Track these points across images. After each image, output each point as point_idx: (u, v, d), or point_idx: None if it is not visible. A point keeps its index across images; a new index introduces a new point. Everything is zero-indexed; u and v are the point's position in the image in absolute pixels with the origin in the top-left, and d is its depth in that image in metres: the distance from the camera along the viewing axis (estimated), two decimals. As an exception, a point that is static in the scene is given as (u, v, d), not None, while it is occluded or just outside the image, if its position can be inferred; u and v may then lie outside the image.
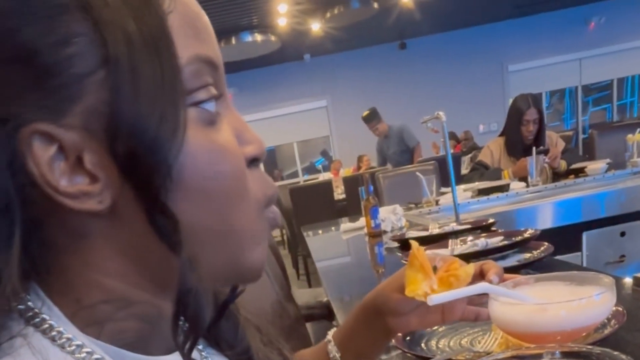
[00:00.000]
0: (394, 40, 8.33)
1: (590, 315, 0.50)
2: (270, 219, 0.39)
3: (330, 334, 0.68)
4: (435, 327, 0.83)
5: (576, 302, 0.49)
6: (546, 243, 1.21)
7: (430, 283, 0.54)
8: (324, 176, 6.70)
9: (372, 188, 2.07)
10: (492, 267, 0.61)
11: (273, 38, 6.62)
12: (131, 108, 0.30)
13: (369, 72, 8.41)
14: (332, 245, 2.50)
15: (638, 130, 2.79)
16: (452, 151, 5.91)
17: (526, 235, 1.30)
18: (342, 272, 1.81)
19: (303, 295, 2.23)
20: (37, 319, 0.32)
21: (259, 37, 6.50)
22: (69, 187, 0.31)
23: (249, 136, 0.38)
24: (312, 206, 4.34)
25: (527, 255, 1.21)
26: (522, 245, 1.26)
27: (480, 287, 0.53)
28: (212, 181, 0.34)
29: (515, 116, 2.94)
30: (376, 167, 5.75)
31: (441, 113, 1.76)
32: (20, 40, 0.29)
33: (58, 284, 0.34)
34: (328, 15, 6.07)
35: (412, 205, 2.68)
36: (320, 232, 2.78)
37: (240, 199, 0.36)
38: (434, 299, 0.51)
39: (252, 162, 0.38)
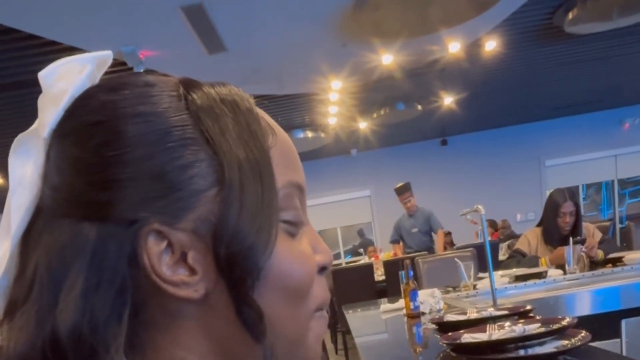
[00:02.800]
0: (436, 137, 8.46)
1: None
2: (322, 317, 0.43)
3: None
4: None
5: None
6: (584, 331, 1.15)
7: None
8: (365, 259, 6.62)
9: (412, 273, 2.04)
10: None
11: (323, 135, 6.87)
12: (236, 220, 0.35)
13: (411, 165, 8.48)
14: (372, 323, 2.44)
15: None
16: (490, 239, 5.77)
17: (564, 323, 1.24)
18: (381, 349, 1.76)
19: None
20: None
21: (309, 134, 6.79)
22: (172, 277, 0.34)
23: (321, 247, 0.42)
24: (353, 287, 4.29)
25: (565, 342, 1.15)
26: (560, 333, 1.20)
27: None
28: (290, 281, 0.37)
29: (552, 208, 2.89)
30: (408, 251, 5.63)
31: (480, 206, 1.77)
32: (156, 162, 0.34)
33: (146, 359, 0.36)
34: (375, 115, 6.28)
35: (450, 289, 2.60)
36: (360, 310, 2.72)
37: (307, 297, 0.39)
38: None
39: (321, 269, 0.42)
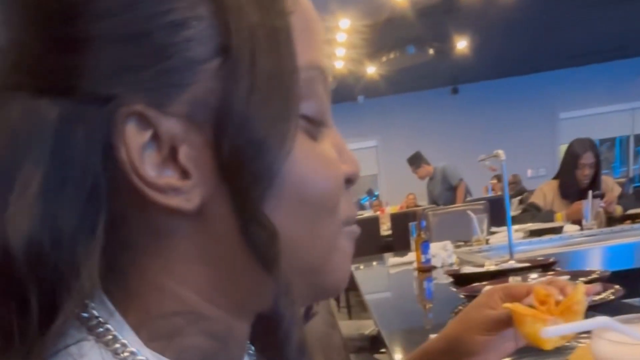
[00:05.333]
0: (447, 85, 8.29)
1: None
2: (352, 232, 0.36)
3: None
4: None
5: None
6: (617, 285, 1.10)
7: (555, 322, 0.48)
8: (369, 213, 6.63)
9: (424, 223, 1.99)
10: (568, 285, 0.56)
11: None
12: (244, 104, 0.27)
13: (420, 115, 8.37)
14: (380, 278, 2.42)
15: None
16: (499, 194, 5.75)
17: (594, 275, 1.19)
18: (392, 305, 1.73)
19: (344, 326, 2.15)
20: (101, 329, 0.28)
21: (315, 77, 6.63)
22: (157, 179, 0.27)
23: (348, 155, 0.35)
24: (357, 241, 4.27)
25: (599, 296, 1.10)
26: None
27: (600, 321, 0.46)
28: (311, 192, 0.30)
29: (571, 159, 2.83)
30: (422, 205, 5.71)
31: (500, 151, 1.68)
32: (137, 15, 0.26)
33: (126, 290, 0.30)
34: (384, 59, 6.11)
35: (462, 243, 2.57)
36: (364, 266, 2.69)
37: (332, 214, 0.32)
38: (550, 332, 0.44)
39: (348, 182, 0.34)
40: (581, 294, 0.51)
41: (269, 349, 0.31)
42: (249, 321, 0.34)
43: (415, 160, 5.69)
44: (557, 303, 0.52)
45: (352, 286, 2.64)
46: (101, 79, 0.26)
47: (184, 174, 0.28)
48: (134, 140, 0.27)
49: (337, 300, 5.13)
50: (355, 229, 0.36)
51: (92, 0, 0.26)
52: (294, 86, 0.29)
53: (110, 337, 0.28)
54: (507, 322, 0.55)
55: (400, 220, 4.08)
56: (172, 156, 0.28)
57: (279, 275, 0.28)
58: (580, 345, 0.82)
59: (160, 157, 0.28)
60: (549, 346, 0.48)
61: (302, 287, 0.32)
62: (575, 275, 1.22)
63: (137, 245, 0.29)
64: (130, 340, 0.29)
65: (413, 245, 2.07)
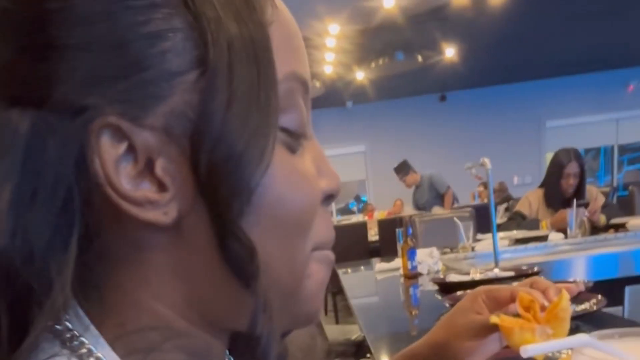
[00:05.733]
0: (435, 92, 8.33)
1: None
2: (325, 257, 0.35)
3: None
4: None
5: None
6: (599, 295, 1.13)
7: (543, 330, 0.49)
8: (357, 218, 6.64)
9: (411, 230, 2.01)
10: (550, 287, 0.56)
11: (318, 84, 6.72)
12: (222, 117, 0.27)
13: (408, 121, 8.40)
14: (366, 284, 2.43)
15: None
16: (485, 201, 5.80)
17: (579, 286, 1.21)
18: (377, 311, 1.75)
19: (330, 331, 2.16)
20: (75, 342, 0.27)
21: (305, 82, 6.62)
22: (133, 192, 0.27)
23: (327, 170, 0.34)
24: (346, 246, 4.29)
25: (581, 307, 1.12)
26: (574, 297, 1.17)
27: (580, 340, 0.47)
28: (287, 209, 0.30)
29: (556, 169, 2.86)
30: (409, 211, 5.75)
31: (486, 160, 1.70)
32: (115, 25, 0.26)
33: (102, 304, 0.29)
34: (373, 65, 6.12)
35: (448, 250, 2.59)
36: (351, 270, 2.71)
37: (306, 233, 0.32)
38: (529, 350, 0.45)
39: (326, 199, 0.34)
40: (565, 300, 0.51)
41: None
42: (227, 337, 0.34)
43: (403, 168, 5.75)
44: (542, 308, 0.53)
45: (339, 290, 2.64)
46: (74, 88, 0.25)
47: (161, 187, 0.27)
48: (108, 152, 0.26)
49: (325, 304, 5.14)
50: (330, 254, 0.35)
51: (67, 8, 0.25)
52: (273, 99, 0.28)
53: (84, 350, 0.27)
54: (494, 326, 0.54)
55: (388, 226, 4.10)
56: (148, 169, 0.27)
57: (257, 292, 0.28)
58: (562, 357, 0.84)
59: (136, 170, 0.27)
60: (540, 357, 0.49)
61: (276, 310, 0.30)
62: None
63: (112, 259, 0.29)
64: (105, 354, 0.28)
65: (400, 251, 2.08)
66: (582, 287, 0.55)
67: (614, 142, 8.78)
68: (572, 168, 2.81)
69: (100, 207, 0.27)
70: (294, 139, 0.31)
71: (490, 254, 1.98)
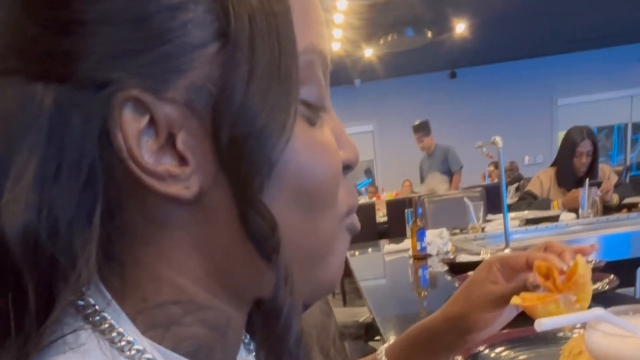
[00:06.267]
0: (445, 69, 8.25)
1: None
2: (350, 224, 0.36)
3: (383, 350, 0.64)
4: (501, 356, 0.77)
5: None
6: (612, 275, 1.12)
7: (566, 299, 0.49)
8: (364, 199, 6.62)
9: (420, 210, 2.00)
10: (565, 250, 0.56)
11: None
12: (243, 90, 0.27)
13: (417, 99, 8.33)
14: (375, 265, 2.44)
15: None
16: (496, 181, 5.76)
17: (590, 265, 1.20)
18: (386, 292, 1.75)
19: (339, 313, 2.17)
20: (97, 317, 0.28)
21: (310, 61, 6.55)
22: (154, 166, 0.27)
23: (346, 141, 0.35)
24: (354, 227, 4.27)
25: (594, 286, 1.12)
26: None
27: (594, 314, 0.47)
28: (309, 181, 0.30)
29: (568, 147, 2.83)
30: (418, 191, 5.63)
31: (498, 138, 1.68)
32: None
33: (123, 279, 0.29)
34: (381, 41, 6.05)
35: (457, 231, 2.59)
36: (359, 252, 2.71)
37: (331, 204, 0.32)
38: (544, 324, 0.45)
39: (345, 169, 0.34)
40: (582, 265, 0.51)
41: (267, 339, 0.32)
42: (247, 311, 0.35)
43: (425, 128, 5.45)
44: (561, 272, 0.52)
45: (347, 273, 2.65)
46: (97, 63, 0.26)
47: (182, 161, 0.28)
48: (130, 126, 0.26)
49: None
50: (356, 221, 0.36)
51: None
52: (294, 71, 0.29)
53: (106, 325, 0.28)
54: (513, 294, 0.54)
55: (396, 207, 4.09)
56: (170, 143, 0.28)
57: (278, 265, 0.28)
58: (574, 336, 0.84)
59: (158, 144, 0.27)
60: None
61: (298, 282, 0.31)
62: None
63: (135, 234, 0.29)
64: (127, 329, 0.28)
65: (409, 232, 2.08)
66: (596, 248, 0.55)
67: (627, 119, 8.67)
68: (585, 146, 2.79)
69: (123, 181, 0.27)
70: (314, 112, 0.31)
71: (500, 234, 1.97)
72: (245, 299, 0.33)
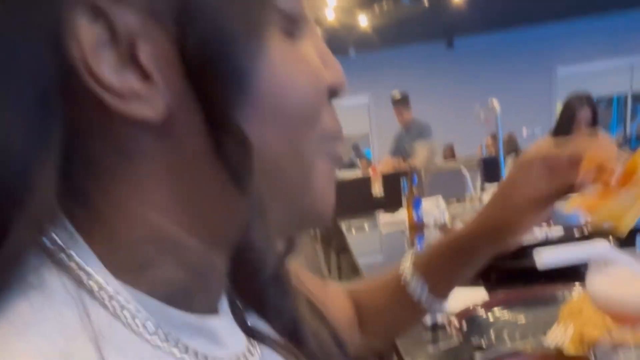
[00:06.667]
0: (442, 38, 8.15)
1: None
2: (333, 151, 0.33)
3: (408, 266, 0.58)
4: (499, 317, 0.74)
5: None
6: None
7: (628, 194, 0.45)
8: (357, 173, 6.56)
9: (416, 179, 1.97)
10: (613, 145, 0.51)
11: (319, 31, 6.57)
12: None
13: (413, 70, 8.25)
14: (371, 240, 2.43)
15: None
16: (493, 154, 5.74)
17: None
18: (382, 266, 1.73)
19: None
20: (63, 255, 0.26)
21: (305, 28, 6.48)
22: (115, 82, 0.24)
23: (330, 61, 0.32)
24: (349, 202, 4.26)
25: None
26: (585, 239, 1.17)
27: (596, 250, 0.44)
28: (290, 100, 0.28)
29: (567, 115, 2.81)
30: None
31: (495, 101, 1.64)
32: None
33: (90, 216, 0.27)
34: (377, 9, 5.97)
35: (454, 201, 2.57)
36: (355, 227, 2.68)
37: (313, 127, 0.30)
38: (544, 258, 0.42)
39: (331, 93, 0.32)
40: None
41: (242, 281, 0.29)
42: (226, 253, 0.32)
43: (407, 102, 5.22)
44: (612, 173, 0.48)
45: (342, 248, 2.62)
46: None
47: (146, 76, 0.25)
48: (86, 34, 0.23)
49: (328, 263, 5.17)
50: (339, 149, 0.33)
51: None
52: None
53: (72, 264, 0.26)
54: (557, 196, 0.51)
55: (393, 181, 4.06)
56: (131, 56, 0.25)
57: (252, 193, 0.26)
58: (573, 298, 0.82)
59: (118, 56, 0.25)
60: (625, 227, 0.44)
61: (282, 213, 0.30)
62: (569, 228, 1.23)
63: (101, 166, 0.27)
64: (96, 269, 0.26)
65: (405, 202, 2.06)
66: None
67: (627, 90, 8.63)
68: (585, 113, 2.76)
69: (84, 103, 0.25)
70: (292, 23, 0.28)
71: (498, 203, 1.95)
72: (223, 238, 0.31)
